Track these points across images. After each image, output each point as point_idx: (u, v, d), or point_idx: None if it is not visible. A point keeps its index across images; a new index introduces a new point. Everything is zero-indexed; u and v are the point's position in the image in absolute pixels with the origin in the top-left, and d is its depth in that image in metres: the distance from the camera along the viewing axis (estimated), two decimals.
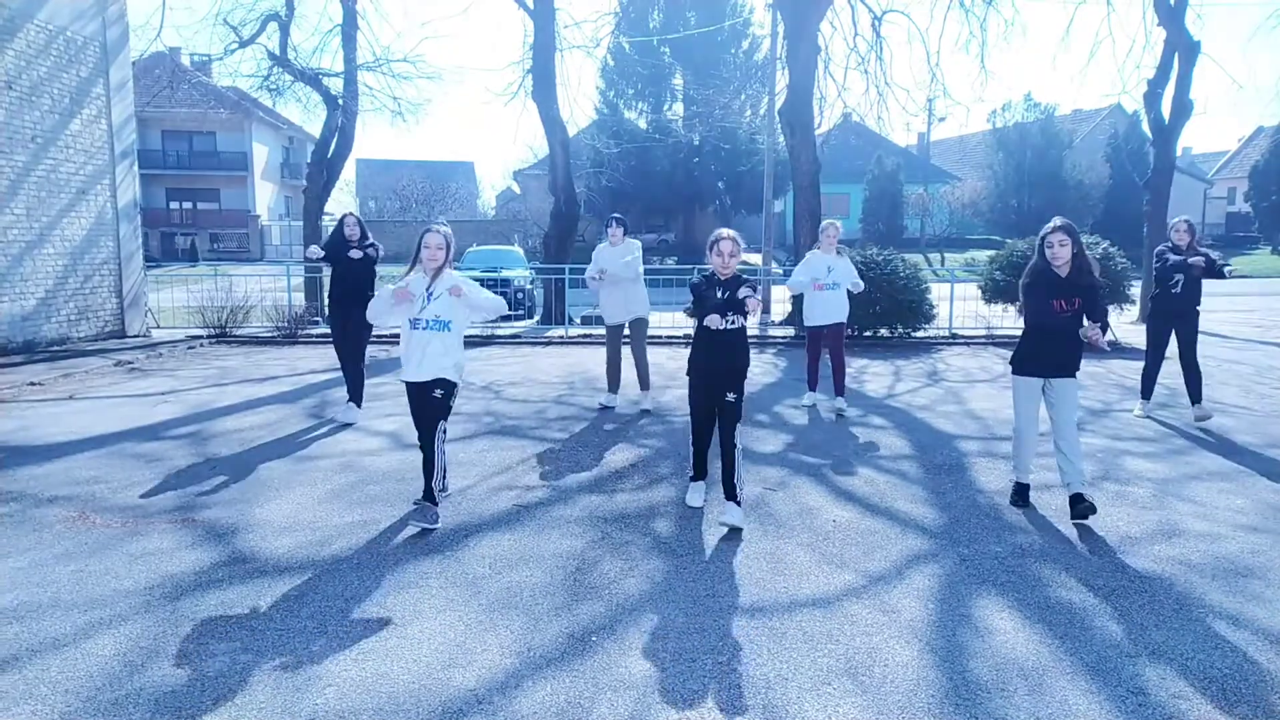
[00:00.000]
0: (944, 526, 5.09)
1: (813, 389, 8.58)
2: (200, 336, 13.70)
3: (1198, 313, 7.97)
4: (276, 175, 50.52)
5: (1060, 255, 5.04)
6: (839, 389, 8.31)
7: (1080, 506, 5.08)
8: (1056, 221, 5.17)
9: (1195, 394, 7.85)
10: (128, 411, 8.15)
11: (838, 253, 8.31)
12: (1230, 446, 6.97)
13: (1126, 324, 15.23)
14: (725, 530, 4.93)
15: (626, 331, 8.26)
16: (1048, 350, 5.20)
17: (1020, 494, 5.50)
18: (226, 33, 16.57)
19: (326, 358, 11.88)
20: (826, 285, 8.15)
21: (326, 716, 3.02)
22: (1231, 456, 6.65)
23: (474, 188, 65.83)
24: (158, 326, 14.74)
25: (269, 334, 14.12)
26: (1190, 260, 7.63)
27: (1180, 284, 7.75)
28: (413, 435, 7.11)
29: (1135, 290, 14.64)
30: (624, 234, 8.05)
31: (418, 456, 6.47)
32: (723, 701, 3.14)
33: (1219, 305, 13.06)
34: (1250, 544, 4.79)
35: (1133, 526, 5.09)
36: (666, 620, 3.81)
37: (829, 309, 8.22)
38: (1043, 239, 5.12)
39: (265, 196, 48.62)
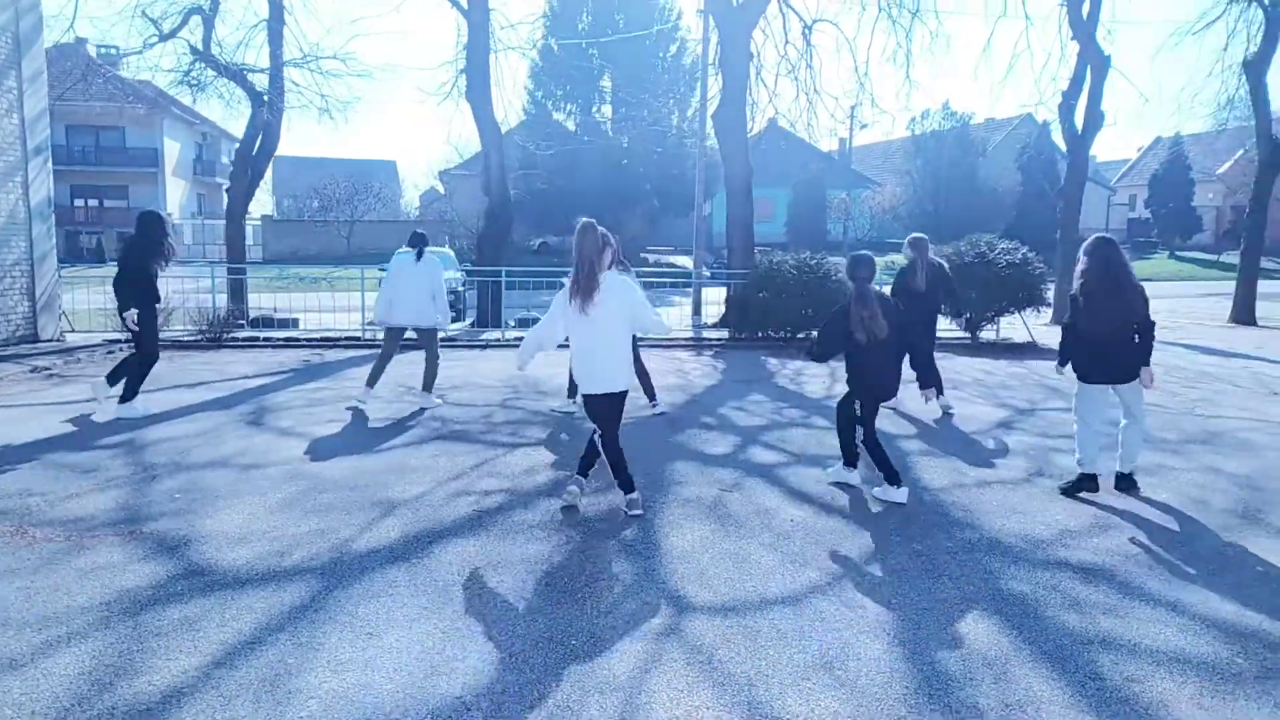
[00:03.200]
0: (896, 524, 5.27)
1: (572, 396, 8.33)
2: (119, 340, 13.15)
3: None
4: (189, 172, 48.83)
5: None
6: (649, 394, 8.38)
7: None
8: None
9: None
10: (52, 420, 7.80)
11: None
12: (1150, 442, 7.34)
13: (1041, 325, 15.91)
14: (690, 532, 5.03)
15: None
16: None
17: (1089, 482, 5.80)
18: (146, 26, 15.98)
19: (257, 362, 11.61)
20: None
21: None
22: (1153, 453, 7.02)
23: (397, 187, 64.76)
24: (72, 330, 14.11)
25: (192, 338, 13.67)
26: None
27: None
28: (360, 441, 7.09)
29: (1050, 293, 15.25)
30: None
31: (367, 462, 6.46)
32: (709, 699, 3.21)
33: None
34: (1178, 535, 5.10)
35: (1071, 520, 5.35)
36: (643, 622, 3.86)
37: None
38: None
39: (177, 194, 46.92)
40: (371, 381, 8.59)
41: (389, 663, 3.45)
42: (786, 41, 17.40)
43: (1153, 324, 5.80)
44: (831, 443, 7.34)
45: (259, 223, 42.54)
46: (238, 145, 18.78)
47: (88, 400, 8.63)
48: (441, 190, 52.72)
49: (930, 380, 7.55)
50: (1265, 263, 22.78)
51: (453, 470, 6.32)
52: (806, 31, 17.33)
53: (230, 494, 5.68)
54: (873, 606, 4.07)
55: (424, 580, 4.29)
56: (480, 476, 6.17)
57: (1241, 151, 44.61)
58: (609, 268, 5.25)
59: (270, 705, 3.12)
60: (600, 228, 5.20)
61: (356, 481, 5.99)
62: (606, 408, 5.26)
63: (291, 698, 3.17)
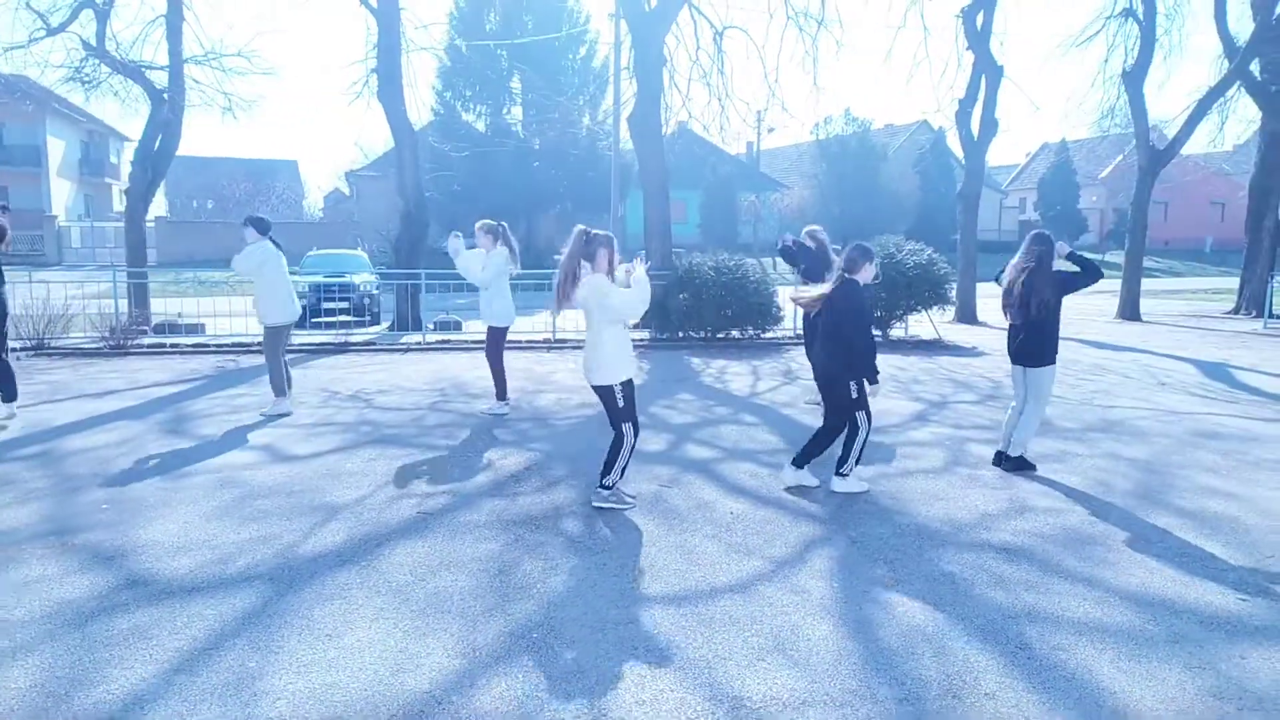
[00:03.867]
0: (830, 513, 5.51)
1: (503, 398, 8.51)
2: (14, 349, 12.50)
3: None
4: (75, 172, 46.36)
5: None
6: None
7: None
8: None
9: None
10: None
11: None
12: (1055, 431, 7.83)
13: (945, 322, 16.64)
14: (635, 526, 5.16)
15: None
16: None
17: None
18: (31, 19, 15.16)
19: (168, 369, 11.21)
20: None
21: None
22: (1058, 440, 7.49)
23: (299, 188, 62.86)
24: None
25: (95, 345, 13.09)
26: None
27: None
28: (289, 448, 6.97)
29: (953, 293, 15.93)
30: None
31: (301, 468, 6.38)
32: (672, 684, 3.35)
33: None
34: (1087, 516, 5.49)
35: (989, 504, 5.69)
36: (599, 614, 3.97)
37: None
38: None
39: (62, 195, 44.50)
40: (282, 389, 8.37)
41: (353, 662, 3.48)
42: (698, 47, 17.67)
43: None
44: (761, 438, 7.59)
45: (153, 224, 40.76)
46: (131, 144, 18.02)
47: None
48: (347, 192, 51.52)
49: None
50: (1147, 262, 24.31)
51: (390, 473, 6.29)
52: (718, 38, 17.64)
53: (161, 504, 5.53)
54: (816, 591, 4.28)
55: (377, 582, 4.30)
56: (419, 479, 6.16)
57: (1121, 157, 47.47)
58: (605, 269, 5.35)
59: (238, 707, 3.11)
60: (595, 230, 5.38)
61: (292, 487, 5.91)
62: (601, 397, 5.51)
63: (259, 699, 3.17)
